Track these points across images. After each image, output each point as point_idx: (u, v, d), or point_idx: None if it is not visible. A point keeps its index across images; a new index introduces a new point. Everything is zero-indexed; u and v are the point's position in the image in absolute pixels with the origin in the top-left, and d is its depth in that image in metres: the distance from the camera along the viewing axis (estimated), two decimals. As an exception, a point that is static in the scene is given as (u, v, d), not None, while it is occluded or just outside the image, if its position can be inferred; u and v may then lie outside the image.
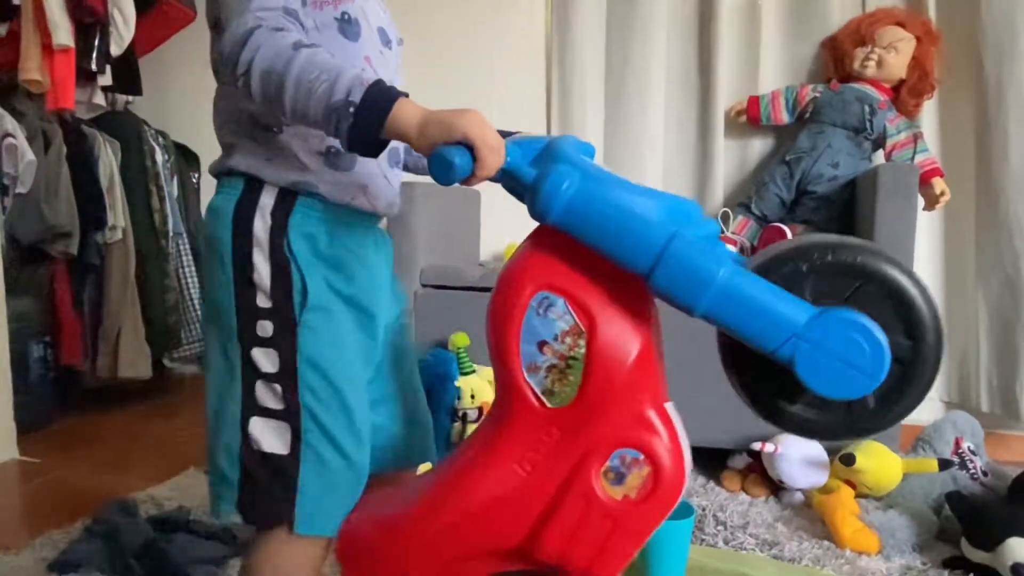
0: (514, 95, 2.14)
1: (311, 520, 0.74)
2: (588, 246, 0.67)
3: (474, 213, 2.19)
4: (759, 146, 2.03)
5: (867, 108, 1.80)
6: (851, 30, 1.84)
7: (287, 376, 0.73)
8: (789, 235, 1.69)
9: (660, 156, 2.07)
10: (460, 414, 1.67)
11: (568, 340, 0.69)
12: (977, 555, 1.20)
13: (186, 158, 2.53)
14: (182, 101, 2.62)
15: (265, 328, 0.73)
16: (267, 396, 0.73)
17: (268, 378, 0.73)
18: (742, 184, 2.03)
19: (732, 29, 1.98)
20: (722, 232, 1.88)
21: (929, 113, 1.87)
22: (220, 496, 0.76)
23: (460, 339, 1.73)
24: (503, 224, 2.22)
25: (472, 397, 1.68)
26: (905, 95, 1.81)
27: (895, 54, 1.78)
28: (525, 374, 0.70)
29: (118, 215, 2.23)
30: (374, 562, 0.76)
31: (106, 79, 2.26)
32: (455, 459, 0.77)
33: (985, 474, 1.49)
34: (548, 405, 0.70)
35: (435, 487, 0.76)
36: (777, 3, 1.96)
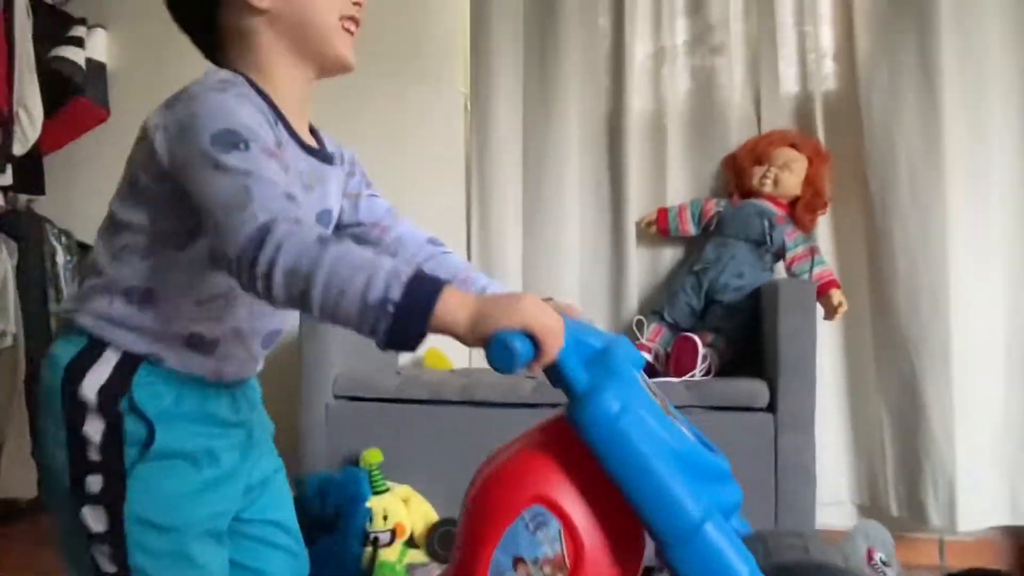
0: (435, 205, 2.17)
1: None
2: (608, 475, 0.63)
3: (392, 318, 2.15)
4: (670, 255, 2.10)
5: (767, 222, 1.90)
6: (748, 149, 1.97)
7: (116, 536, 0.69)
8: (700, 345, 1.73)
9: (577, 265, 2.11)
10: (372, 538, 1.59)
11: (546, 570, 0.64)
12: None
13: (90, 259, 2.43)
14: (90, 200, 2.50)
15: (93, 484, 0.69)
16: (102, 559, 0.70)
17: (99, 539, 0.70)
18: (655, 292, 2.09)
19: (639, 145, 2.08)
20: (637, 340, 1.91)
21: (824, 227, 1.98)
22: None
23: (373, 455, 1.66)
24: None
25: (385, 519, 1.60)
26: (800, 211, 1.93)
27: (789, 173, 1.90)
28: None
29: (8, 320, 2.10)
30: None
31: (6, 179, 2.18)
32: None
33: (897, 585, 1.50)
34: None
35: None
36: (680, 122, 2.08)
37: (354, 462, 1.70)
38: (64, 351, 0.72)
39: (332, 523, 1.61)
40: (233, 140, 0.65)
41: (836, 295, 1.81)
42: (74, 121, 2.45)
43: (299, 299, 0.61)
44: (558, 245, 2.09)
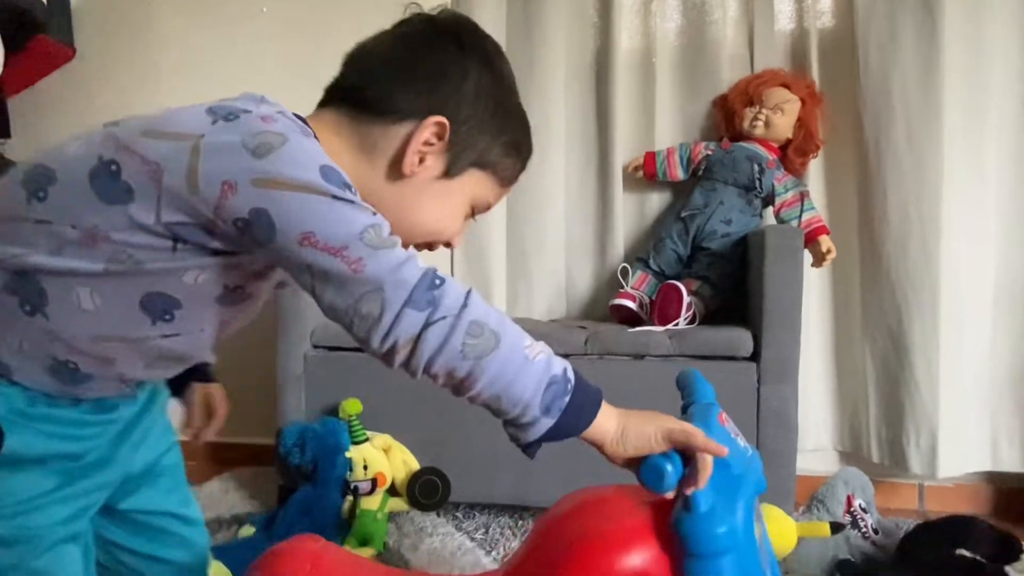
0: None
1: None
2: None
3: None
4: (657, 201, 2.05)
5: (756, 167, 1.84)
6: (740, 91, 1.89)
7: None
8: (684, 293, 1.70)
9: (562, 211, 2.05)
10: (352, 487, 1.58)
11: None
12: (867, 624, 1.20)
13: (61, 205, 2.35)
14: (56, 142, 2.45)
15: None
16: None
17: None
18: (641, 238, 2.04)
19: (627, 86, 2.00)
20: (622, 288, 1.87)
21: (815, 171, 1.93)
22: None
23: (352, 405, 1.64)
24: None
25: (365, 468, 1.59)
26: (792, 154, 1.87)
27: (781, 115, 1.83)
28: None
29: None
30: None
31: (-32, 121, 2.08)
32: None
33: (876, 532, 1.51)
34: None
35: None
36: (669, 61, 2.00)
37: (333, 413, 1.68)
38: None
39: (311, 473, 1.60)
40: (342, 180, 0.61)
41: (825, 241, 1.77)
42: (37, 60, 2.34)
43: (456, 388, 0.62)
44: (542, 190, 2.03)
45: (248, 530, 1.59)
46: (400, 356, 0.58)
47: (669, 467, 0.65)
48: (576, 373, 0.62)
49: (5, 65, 2.15)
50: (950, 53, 1.72)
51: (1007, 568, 1.30)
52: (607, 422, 0.62)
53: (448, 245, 0.75)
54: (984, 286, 1.78)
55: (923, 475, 1.79)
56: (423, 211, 0.70)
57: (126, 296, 0.62)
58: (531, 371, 0.59)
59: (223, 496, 1.92)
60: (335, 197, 0.57)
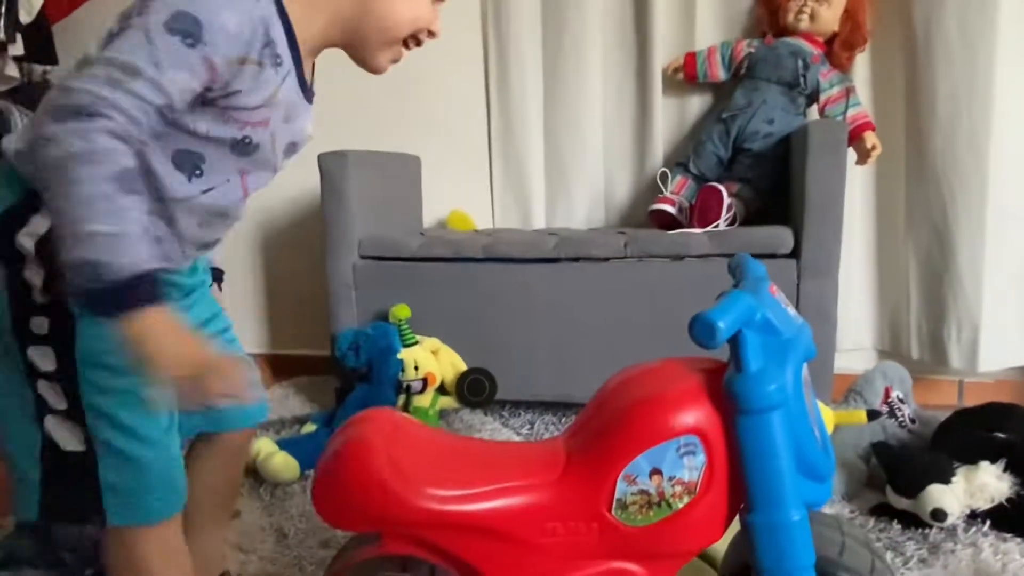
0: (451, 56, 2.09)
1: (123, 512, 0.74)
2: (739, 444, 0.72)
3: (415, 178, 2.15)
4: (697, 103, 2.02)
5: (801, 62, 1.79)
6: (784, -18, 1.83)
7: (66, 374, 0.70)
8: (724, 195, 1.70)
9: (599, 115, 2.04)
10: (404, 386, 1.67)
11: (678, 488, 0.73)
12: (901, 502, 1.25)
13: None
14: (103, 69, 2.49)
15: (40, 325, 0.69)
16: (51, 395, 0.71)
17: (48, 377, 0.70)
18: (681, 142, 2.02)
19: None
20: (661, 193, 1.88)
21: (862, 66, 1.87)
22: (20, 500, 0.75)
23: (402, 311, 1.72)
24: (444, 191, 2.18)
25: (416, 368, 1.67)
26: (838, 48, 1.81)
27: (827, 7, 1.77)
28: (620, 478, 0.73)
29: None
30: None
31: (17, 48, 2.13)
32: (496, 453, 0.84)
33: (913, 421, 1.54)
34: (611, 511, 0.74)
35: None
36: (711, -46, 1.93)
37: (383, 318, 1.76)
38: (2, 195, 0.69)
39: (366, 375, 1.70)
40: (186, 29, 0.65)
41: (870, 138, 1.74)
42: (75, -14, 2.37)
43: (40, 181, 0.62)
44: (580, 93, 2.01)
45: (310, 427, 1.70)
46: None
47: (721, 323, 0.67)
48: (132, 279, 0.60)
49: (46, -9, 2.18)
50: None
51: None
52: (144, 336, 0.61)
53: (432, 35, 0.83)
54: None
55: (964, 370, 1.81)
56: (394, 9, 0.79)
57: (165, 156, 0.71)
58: (70, 242, 0.60)
59: (284, 401, 2.04)
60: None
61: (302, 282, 2.31)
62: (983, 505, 1.20)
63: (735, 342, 0.72)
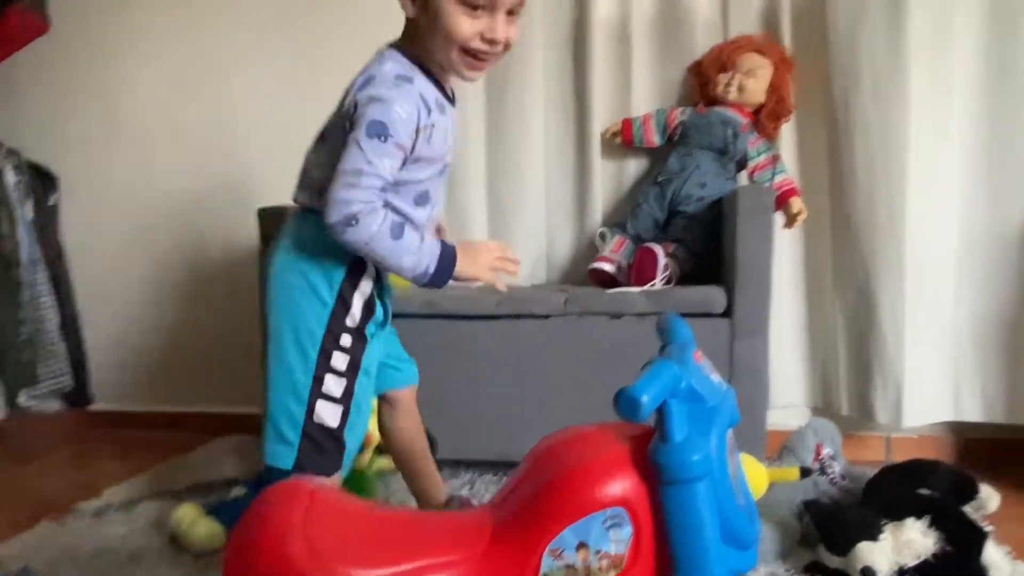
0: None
1: (346, 468, 1.10)
2: (663, 514, 0.72)
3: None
4: (634, 167, 2.09)
5: (731, 131, 1.88)
6: (714, 56, 1.93)
7: (352, 373, 1.05)
8: (660, 255, 1.75)
9: (541, 177, 2.09)
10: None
11: (604, 561, 0.72)
12: (833, 560, 1.26)
13: (41, 179, 2.34)
14: (36, 117, 2.43)
15: (346, 340, 1.05)
16: (334, 386, 1.04)
17: (339, 373, 1.04)
18: (619, 203, 2.08)
19: (604, 54, 2.03)
20: (600, 253, 1.92)
21: (787, 135, 1.97)
22: (278, 454, 1.04)
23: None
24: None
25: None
26: (764, 118, 1.91)
27: (754, 80, 1.88)
28: (546, 553, 0.72)
29: (-42, 242, 2.04)
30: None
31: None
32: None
33: (844, 478, 1.58)
34: None
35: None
36: (645, 29, 2.03)
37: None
38: (342, 259, 1.04)
39: (300, 434, 1.64)
40: (379, 132, 0.97)
41: (796, 203, 1.82)
42: (11, 34, 2.31)
43: (363, 255, 1.02)
44: (522, 156, 2.06)
45: (239, 490, 1.63)
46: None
47: (644, 397, 0.68)
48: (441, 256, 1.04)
49: (-21, 38, 2.14)
50: (915, 18, 1.77)
51: (964, 507, 1.37)
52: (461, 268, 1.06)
53: (494, 42, 1.00)
54: (948, 244, 1.85)
55: (889, 426, 1.87)
56: (438, 32, 0.99)
57: (408, 201, 1.07)
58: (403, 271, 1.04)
59: (212, 462, 1.96)
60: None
61: (234, 336, 2.25)
62: (910, 561, 1.23)
63: (660, 411, 0.73)
